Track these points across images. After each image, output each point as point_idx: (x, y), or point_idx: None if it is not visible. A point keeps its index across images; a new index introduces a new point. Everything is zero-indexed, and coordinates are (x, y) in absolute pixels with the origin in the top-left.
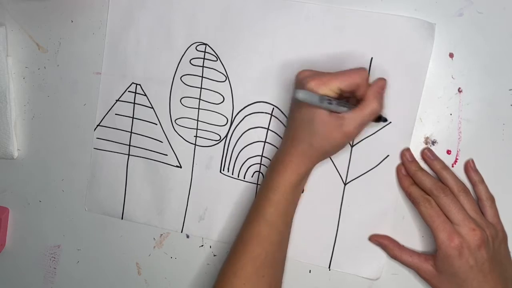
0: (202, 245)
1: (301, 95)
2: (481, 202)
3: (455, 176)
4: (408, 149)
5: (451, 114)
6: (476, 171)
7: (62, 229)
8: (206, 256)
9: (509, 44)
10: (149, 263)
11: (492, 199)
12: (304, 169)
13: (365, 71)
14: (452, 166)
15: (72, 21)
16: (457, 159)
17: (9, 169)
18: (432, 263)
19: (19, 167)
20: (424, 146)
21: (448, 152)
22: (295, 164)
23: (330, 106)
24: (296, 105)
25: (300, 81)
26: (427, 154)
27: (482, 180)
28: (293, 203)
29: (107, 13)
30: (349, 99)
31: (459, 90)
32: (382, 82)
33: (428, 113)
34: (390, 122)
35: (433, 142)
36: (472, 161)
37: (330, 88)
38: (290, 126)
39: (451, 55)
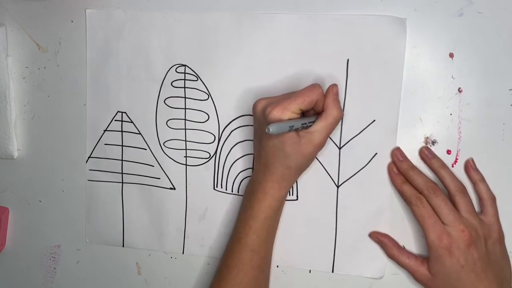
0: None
1: (273, 129)
2: (482, 201)
3: (453, 175)
4: (398, 148)
5: (451, 114)
6: (476, 170)
7: (62, 229)
8: (206, 256)
9: (509, 44)
10: (149, 263)
11: (492, 198)
12: (283, 192)
13: (319, 88)
14: (452, 166)
15: (72, 21)
16: (457, 159)
17: (9, 169)
18: (427, 266)
19: (19, 167)
20: (424, 146)
21: (448, 152)
22: (275, 190)
23: (297, 128)
24: (264, 135)
25: (261, 112)
26: (425, 153)
27: (482, 179)
28: (274, 227)
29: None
30: (307, 112)
31: (459, 90)
32: (335, 88)
33: (428, 113)
34: (374, 120)
35: (433, 142)
36: (472, 160)
37: (292, 111)
38: (261, 155)
39: (451, 55)
